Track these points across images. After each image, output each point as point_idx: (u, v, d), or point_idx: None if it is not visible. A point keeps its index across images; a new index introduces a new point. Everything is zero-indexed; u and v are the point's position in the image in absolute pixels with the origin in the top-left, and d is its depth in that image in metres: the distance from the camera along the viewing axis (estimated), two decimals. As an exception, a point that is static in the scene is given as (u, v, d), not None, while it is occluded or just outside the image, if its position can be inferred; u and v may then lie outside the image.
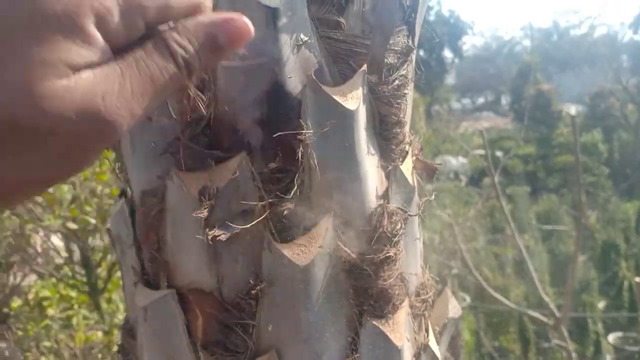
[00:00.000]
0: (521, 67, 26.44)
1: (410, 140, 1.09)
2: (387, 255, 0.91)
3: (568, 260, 12.27)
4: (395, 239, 0.93)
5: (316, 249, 0.88)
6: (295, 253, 0.87)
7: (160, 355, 0.95)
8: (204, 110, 0.92)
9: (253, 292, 0.88)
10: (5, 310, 6.03)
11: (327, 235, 0.90)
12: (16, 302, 5.94)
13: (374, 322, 0.93)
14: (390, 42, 1.04)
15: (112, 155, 1.12)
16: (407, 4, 1.09)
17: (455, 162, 17.71)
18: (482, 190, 15.66)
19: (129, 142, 0.97)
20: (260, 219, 0.87)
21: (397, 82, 1.05)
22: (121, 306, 5.60)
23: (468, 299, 9.54)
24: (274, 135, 0.90)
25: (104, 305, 5.58)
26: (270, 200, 0.89)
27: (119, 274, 5.78)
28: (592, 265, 12.82)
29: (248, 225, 0.86)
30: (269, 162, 0.91)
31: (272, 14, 0.91)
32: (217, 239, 0.83)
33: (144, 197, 0.97)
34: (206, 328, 0.91)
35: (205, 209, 0.84)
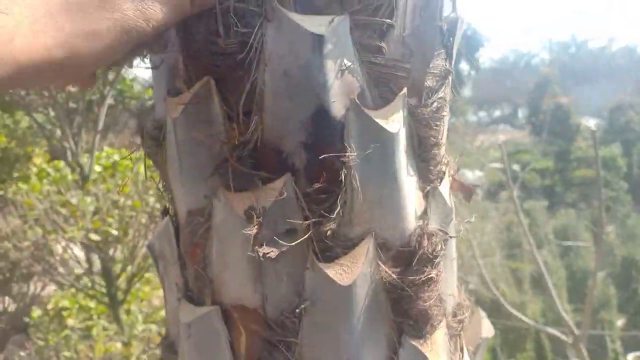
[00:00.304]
0: (539, 80, 26.34)
1: (447, 161, 1.11)
2: (429, 276, 0.92)
3: (586, 276, 12.13)
4: (437, 260, 0.95)
5: (358, 269, 0.90)
6: (338, 273, 0.90)
7: (205, 371, 0.98)
8: (251, 134, 0.95)
9: (297, 310, 0.90)
10: (25, 319, 6.13)
11: (368, 255, 0.92)
12: (36, 312, 6.04)
13: (413, 342, 0.94)
14: (430, 65, 1.07)
15: (155, 174, 1.16)
16: (446, 27, 1.12)
17: (472, 175, 17.64)
18: (499, 205, 15.61)
19: (177, 163, 1.00)
20: (304, 237, 0.90)
21: (435, 104, 1.08)
22: (140, 318, 5.69)
23: (484, 315, 9.44)
24: (319, 158, 0.93)
25: (123, 316, 5.66)
26: (314, 220, 0.91)
27: (138, 285, 5.87)
28: (610, 282, 12.69)
29: (294, 243, 0.88)
30: (312, 183, 0.93)
31: (319, 40, 0.94)
32: (267, 256, 0.85)
33: (190, 216, 1.00)
34: (249, 345, 0.94)
35: (254, 226, 0.87)
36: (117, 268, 5.65)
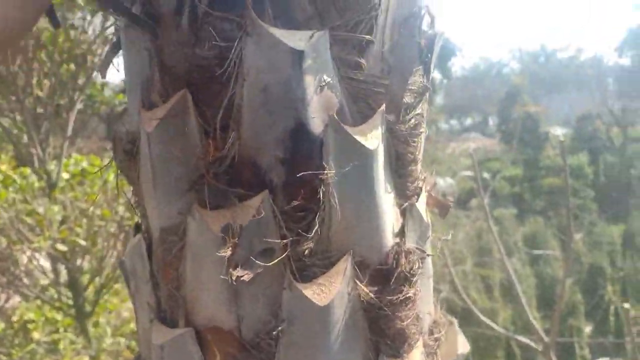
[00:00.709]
0: (509, 89, 26.77)
1: (424, 177, 1.11)
2: (407, 296, 0.92)
3: (554, 284, 12.33)
4: (414, 279, 0.94)
5: (336, 288, 0.89)
6: (316, 293, 0.88)
7: (178, 394, 0.95)
8: (228, 149, 0.93)
9: (273, 332, 0.88)
10: None
11: (346, 274, 0.91)
12: (-1, 325, 5.81)
13: (392, 362, 0.93)
14: (408, 82, 1.07)
15: (123, 187, 1.13)
16: (424, 44, 1.12)
17: (443, 183, 17.80)
18: (470, 212, 15.77)
19: (151, 179, 0.97)
20: (281, 257, 0.88)
21: (413, 120, 1.07)
22: (109, 330, 5.53)
23: (455, 322, 9.48)
24: (297, 174, 0.91)
25: (90, 329, 5.49)
26: (291, 238, 0.89)
27: (106, 297, 5.73)
28: (578, 289, 12.91)
29: (271, 264, 0.86)
30: (290, 200, 0.92)
31: (298, 56, 0.92)
32: (241, 279, 0.83)
33: (163, 234, 0.97)
34: (225, 368, 0.91)
35: (228, 247, 0.85)
36: (85, 279, 5.49)
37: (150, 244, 1.03)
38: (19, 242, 4.94)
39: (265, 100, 0.94)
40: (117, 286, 5.66)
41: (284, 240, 0.89)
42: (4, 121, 6.22)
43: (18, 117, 5.97)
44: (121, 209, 5.07)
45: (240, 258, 0.87)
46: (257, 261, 0.88)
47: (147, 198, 1.01)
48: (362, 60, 1.03)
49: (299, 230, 0.90)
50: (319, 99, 0.96)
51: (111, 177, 5.10)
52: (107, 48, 6.47)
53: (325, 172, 0.90)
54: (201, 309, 0.93)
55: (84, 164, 5.56)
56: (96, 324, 5.61)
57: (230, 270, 0.84)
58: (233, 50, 0.93)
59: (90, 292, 5.60)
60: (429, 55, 1.13)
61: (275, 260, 0.87)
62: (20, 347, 5.35)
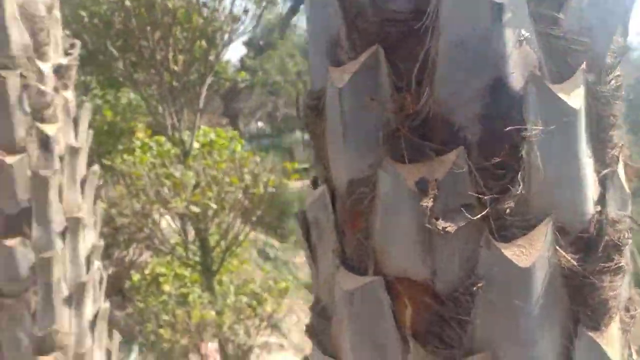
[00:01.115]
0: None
1: (622, 145, 1.03)
2: (619, 265, 0.86)
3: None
4: (624, 249, 0.88)
5: (537, 251, 0.85)
6: (515, 254, 0.85)
7: (365, 339, 0.97)
8: (422, 105, 0.91)
9: (472, 288, 0.86)
10: (126, 283, 6.54)
11: (547, 238, 0.86)
12: (135, 277, 6.42)
13: (590, 333, 0.88)
14: (611, 41, 0.99)
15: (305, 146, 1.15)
16: (624, 3, 1.04)
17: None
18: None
19: (341, 132, 0.98)
20: (482, 214, 0.85)
21: (613, 82, 1.00)
22: (232, 288, 5.92)
23: None
24: (495, 131, 0.88)
25: (216, 286, 5.90)
26: (491, 195, 0.86)
27: (229, 259, 6.11)
28: None
29: (474, 219, 0.84)
30: (486, 157, 0.89)
31: (498, 8, 0.89)
32: (446, 230, 0.82)
33: (352, 186, 0.98)
34: (415, 318, 0.91)
35: (430, 198, 0.83)
36: (213, 240, 5.90)
37: (333, 195, 1.04)
38: (157, 202, 5.36)
39: (462, 55, 0.91)
40: (238, 250, 6.03)
41: (485, 197, 0.86)
42: (142, 93, 6.72)
43: (155, 90, 6.41)
44: (247, 177, 5.34)
45: (439, 211, 0.86)
46: (452, 217, 0.86)
47: (333, 151, 1.03)
48: (560, 16, 0.97)
49: (500, 188, 0.87)
50: (518, 54, 0.91)
51: (238, 148, 5.43)
52: (235, 26, 6.77)
53: (529, 128, 0.86)
54: (391, 259, 0.94)
55: (212, 136, 5.94)
56: (220, 282, 6.01)
57: (434, 220, 0.83)
58: (431, 4, 0.91)
59: (217, 253, 6.00)
60: (628, 14, 1.05)
61: (478, 216, 0.84)
62: (154, 297, 5.84)
